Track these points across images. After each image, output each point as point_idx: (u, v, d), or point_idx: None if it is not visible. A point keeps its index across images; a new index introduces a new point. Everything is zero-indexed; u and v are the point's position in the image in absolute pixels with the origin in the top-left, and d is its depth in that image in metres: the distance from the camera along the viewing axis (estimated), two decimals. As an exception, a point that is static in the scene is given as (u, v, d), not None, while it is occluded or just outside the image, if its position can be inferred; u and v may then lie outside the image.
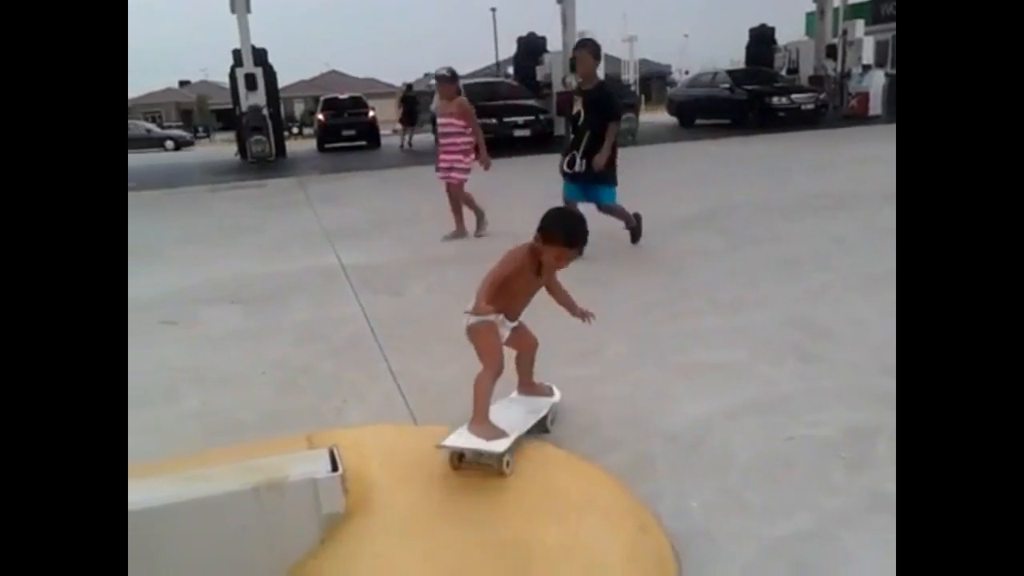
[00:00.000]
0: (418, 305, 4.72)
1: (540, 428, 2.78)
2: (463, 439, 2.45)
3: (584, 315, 2.86)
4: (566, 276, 2.84)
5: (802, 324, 3.90)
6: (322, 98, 24.84)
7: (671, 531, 2.21)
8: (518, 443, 2.55)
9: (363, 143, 22.33)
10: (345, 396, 3.32)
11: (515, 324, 2.78)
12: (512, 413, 2.74)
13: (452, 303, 4.68)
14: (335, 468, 2.34)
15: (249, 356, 3.92)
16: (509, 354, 2.80)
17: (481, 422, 2.49)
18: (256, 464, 2.36)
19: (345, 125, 22.38)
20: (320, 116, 23.09)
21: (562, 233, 2.55)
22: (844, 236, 5.96)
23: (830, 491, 2.37)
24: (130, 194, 12.36)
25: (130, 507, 2.19)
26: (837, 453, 2.57)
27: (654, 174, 11.51)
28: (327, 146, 22.36)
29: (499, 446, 2.42)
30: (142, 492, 2.26)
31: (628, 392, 3.18)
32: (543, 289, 2.81)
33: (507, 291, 2.62)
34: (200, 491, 2.25)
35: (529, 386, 2.97)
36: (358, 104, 23.38)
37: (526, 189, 8.88)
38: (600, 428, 2.85)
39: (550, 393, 2.97)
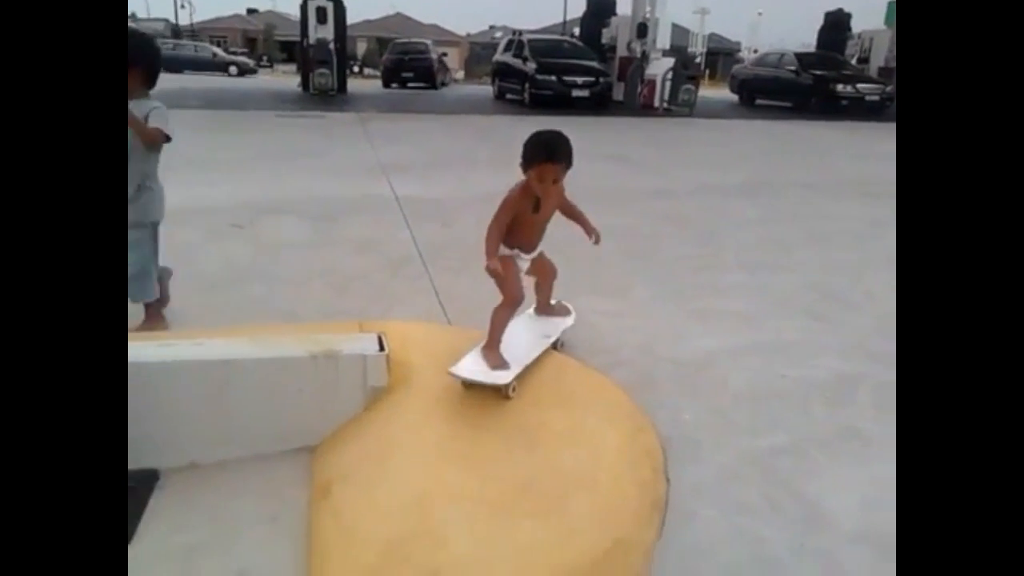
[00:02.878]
0: (465, 235, 5.08)
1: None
2: (470, 367, 2.62)
3: (594, 232, 2.95)
4: (607, 239, 3.08)
5: (818, 289, 4.17)
6: (392, 42, 28.63)
7: (663, 435, 2.56)
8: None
9: (422, 84, 26.20)
10: (391, 303, 3.70)
11: (533, 255, 2.86)
12: (525, 338, 2.92)
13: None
14: (382, 349, 2.74)
15: (306, 261, 4.33)
16: (528, 282, 3.02)
17: (492, 349, 2.65)
18: (316, 338, 2.76)
19: (406, 67, 26.20)
20: (386, 57, 27.63)
21: (536, 150, 2.51)
22: (879, 220, 6.14)
23: (809, 420, 2.69)
24: (203, 112, 12.88)
25: (208, 357, 2.62)
26: (822, 392, 2.88)
27: (705, 147, 11.63)
28: (392, 85, 25.96)
29: (501, 378, 2.56)
30: (219, 347, 2.69)
31: (644, 325, 3.52)
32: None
33: (516, 231, 2.67)
34: (268, 352, 2.67)
35: (546, 308, 3.18)
36: (421, 50, 26.82)
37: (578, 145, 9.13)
38: (614, 350, 3.20)
39: (566, 313, 3.19)
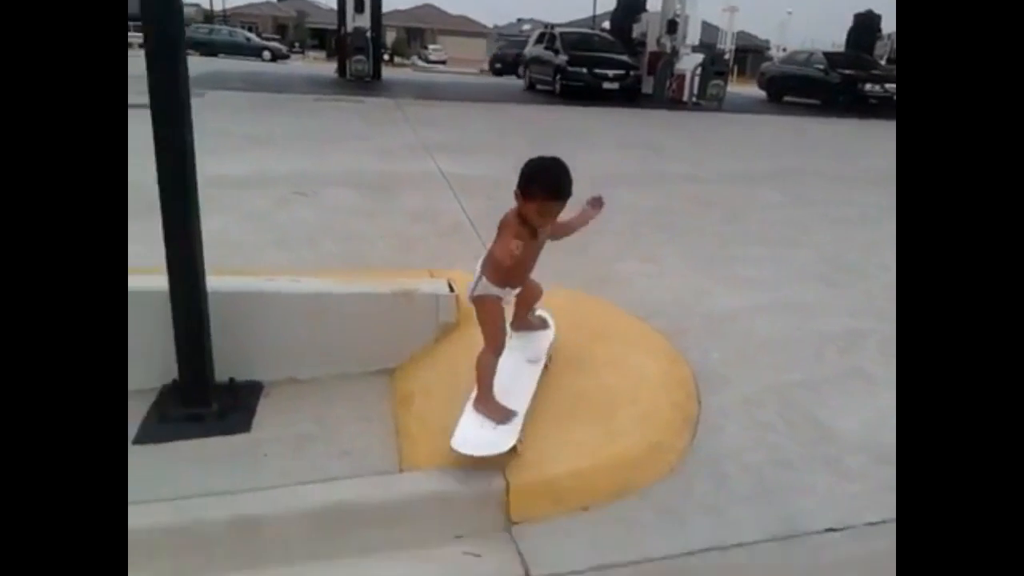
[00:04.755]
0: (509, 205, 5.50)
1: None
2: (473, 438, 2.33)
3: (593, 206, 2.65)
4: (642, 216, 3.51)
5: (834, 262, 4.55)
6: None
7: (694, 370, 2.97)
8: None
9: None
10: (448, 261, 4.13)
11: (519, 290, 2.63)
12: (515, 373, 2.65)
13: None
14: (451, 291, 3.17)
15: (369, 225, 4.78)
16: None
17: (486, 400, 2.46)
18: (394, 280, 3.20)
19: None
20: None
21: (542, 184, 2.25)
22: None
23: (822, 363, 3.10)
24: (246, 94, 13.36)
25: (305, 291, 3.06)
26: (834, 343, 3.28)
27: (732, 139, 11.96)
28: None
29: (505, 442, 2.33)
30: (316, 284, 3.14)
31: (677, 286, 3.93)
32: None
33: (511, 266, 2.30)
34: (355, 288, 3.11)
35: (522, 320, 2.90)
36: None
37: (611, 134, 9.51)
38: (651, 304, 3.61)
39: (544, 325, 2.94)
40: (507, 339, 2.56)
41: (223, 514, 2.17)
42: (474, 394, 2.50)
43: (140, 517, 2.15)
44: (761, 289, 3.95)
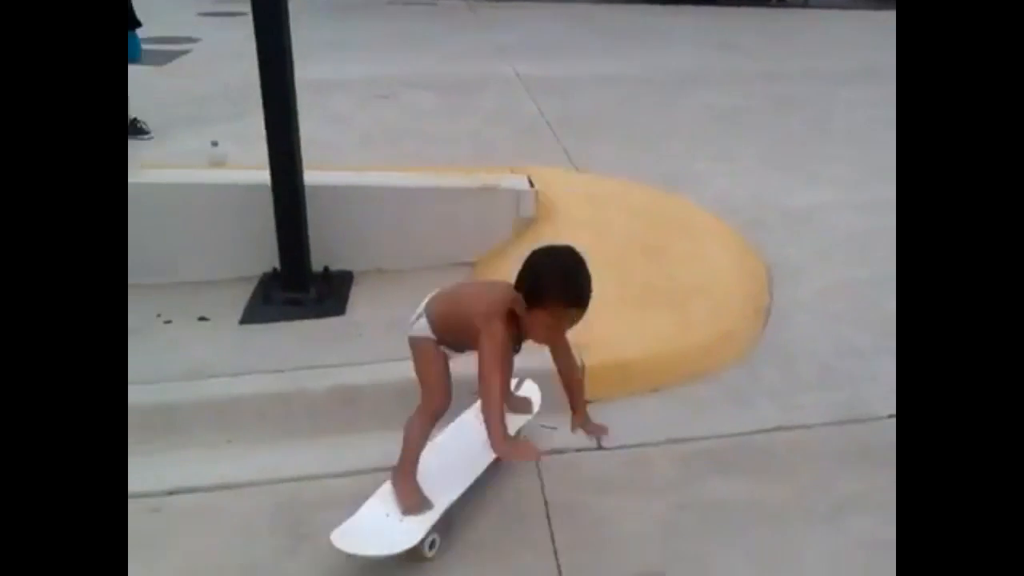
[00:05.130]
0: (585, 108, 5.50)
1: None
2: (363, 527, 1.79)
3: (583, 429, 1.99)
4: (718, 116, 3.47)
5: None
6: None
7: (769, 264, 3.03)
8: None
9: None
10: (528, 159, 4.21)
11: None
12: (465, 456, 2.03)
13: (616, 108, 5.45)
14: (531, 186, 3.27)
15: (449, 126, 4.87)
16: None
17: (404, 478, 1.88)
18: (476, 176, 3.32)
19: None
20: None
21: (563, 288, 1.67)
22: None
23: (891, 263, 3.09)
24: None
25: (394, 185, 3.20)
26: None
27: (817, 36, 11.37)
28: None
29: (407, 538, 1.76)
30: (401, 179, 3.29)
31: (755, 184, 3.93)
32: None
33: (463, 338, 1.84)
34: (440, 182, 3.25)
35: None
36: None
37: (686, 35, 9.19)
38: (728, 201, 3.64)
39: (527, 410, 2.25)
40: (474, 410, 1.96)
41: (324, 384, 2.39)
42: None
43: (248, 386, 2.41)
44: (840, 187, 3.90)
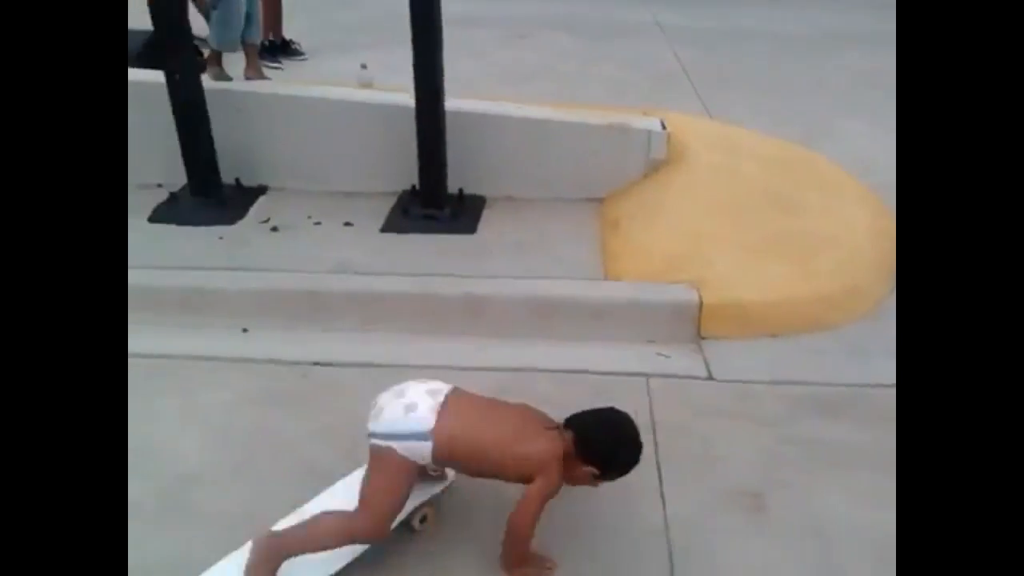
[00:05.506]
0: (723, 59, 5.39)
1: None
2: None
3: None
4: (860, 77, 3.31)
5: None
6: None
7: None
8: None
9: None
10: (662, 105, 4.21)
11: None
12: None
13: (756, 62, 5.30)
14: (663, 128, 3.30)
15: (584, 69, 4.92)
16: None
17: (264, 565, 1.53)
18: (611, 115, 3.37)
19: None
20: None
21: (625, 460, 1.63)
22: None
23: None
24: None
25: (527, 116, 3.30)
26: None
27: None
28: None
29: None
30: (537, 112, 3.38)
31: (893, 144, 3.77)
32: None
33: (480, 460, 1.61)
34: (573, 118, 3.32)
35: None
36: None
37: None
38: (866, 160, 3.53)
39: (440, 477, 1.83)
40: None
41: (455, 291, 2.57)
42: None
43: (386, 285, 2.62)
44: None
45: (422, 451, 1.54)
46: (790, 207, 2.96)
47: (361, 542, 1.59)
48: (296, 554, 1.54)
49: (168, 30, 2.92)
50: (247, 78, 3.48)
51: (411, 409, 1.55)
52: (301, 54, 4.95)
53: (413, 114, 2.98)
